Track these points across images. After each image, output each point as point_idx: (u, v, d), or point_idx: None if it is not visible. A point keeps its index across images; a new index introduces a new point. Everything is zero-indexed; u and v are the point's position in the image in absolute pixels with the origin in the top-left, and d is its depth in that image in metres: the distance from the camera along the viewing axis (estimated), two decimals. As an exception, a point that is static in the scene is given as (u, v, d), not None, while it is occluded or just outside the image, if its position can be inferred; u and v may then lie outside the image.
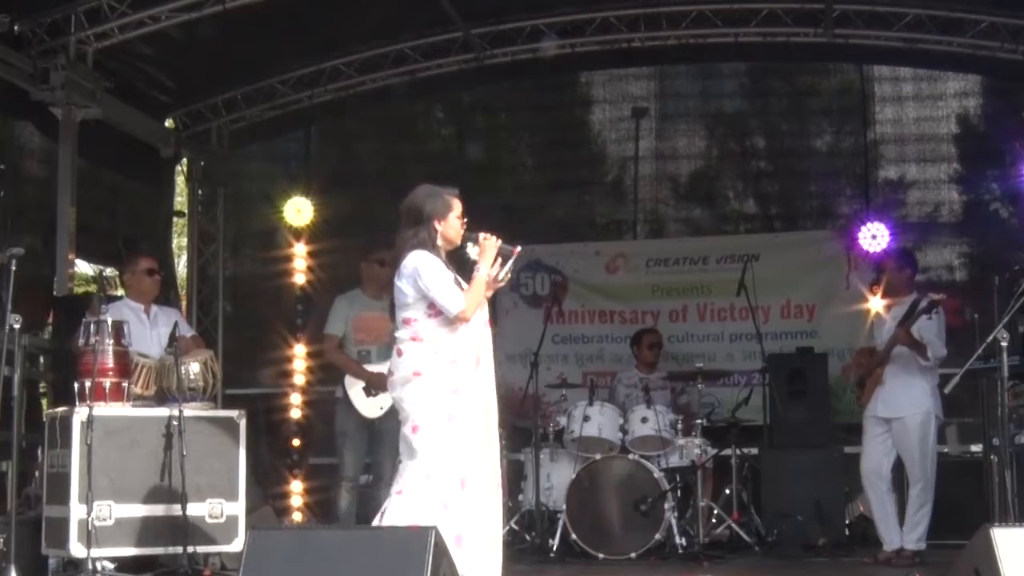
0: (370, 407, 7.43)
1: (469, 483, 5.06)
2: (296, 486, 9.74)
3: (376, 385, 7.42)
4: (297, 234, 10.17)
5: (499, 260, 5.23)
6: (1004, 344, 5.40)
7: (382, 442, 7.50)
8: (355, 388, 7.41)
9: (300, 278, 10.21)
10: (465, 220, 5.31)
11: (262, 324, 10.56)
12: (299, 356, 10.10)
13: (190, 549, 6.17)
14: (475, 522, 5.04)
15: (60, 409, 6.39)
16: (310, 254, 10.25)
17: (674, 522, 7.81)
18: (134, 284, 7.03)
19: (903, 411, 7.30)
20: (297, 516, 9.52)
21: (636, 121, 10.67)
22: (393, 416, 7.47)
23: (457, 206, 5.30)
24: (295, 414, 10.00)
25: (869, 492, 7.43)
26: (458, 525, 4.97)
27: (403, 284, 5.17)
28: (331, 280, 9.76)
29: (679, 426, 8.27)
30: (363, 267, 7.70)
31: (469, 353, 5.16)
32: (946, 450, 8.64)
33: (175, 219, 11.13)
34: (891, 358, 7.30)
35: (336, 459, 7.58)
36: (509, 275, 5.32)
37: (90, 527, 5.97)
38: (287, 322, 10.24)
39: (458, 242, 5.28)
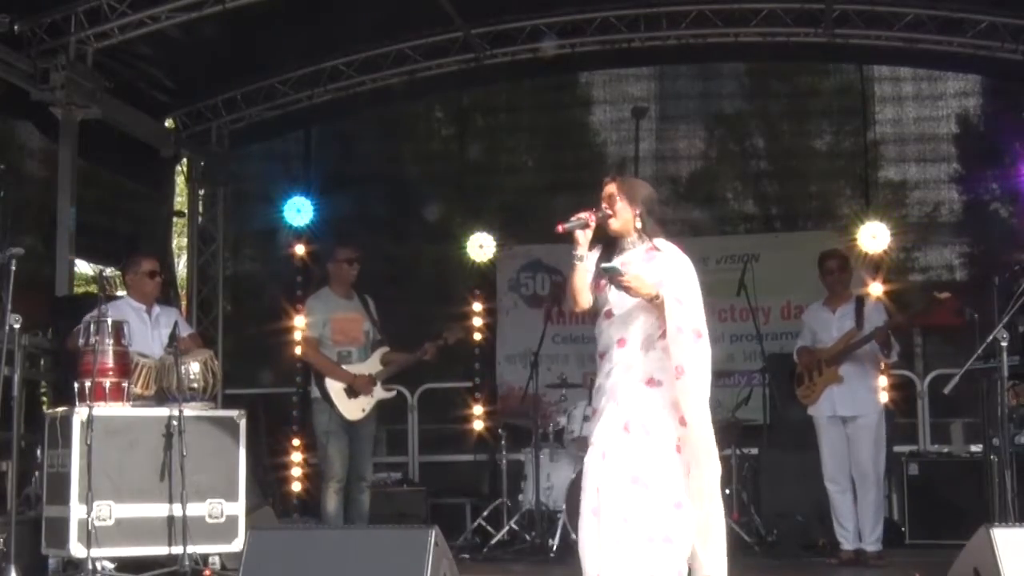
0: (352, 409, 7.32)
1: (604, 490, 4.86)
2: (296, 486, 9.70)
3: (360, 386, 7.32)
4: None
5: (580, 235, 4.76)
6: (1004, 344, 5.41)
7: (360, 443, 7.43)
8: (335, 389, 7.32)
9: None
10: (599, 206, 4.84)
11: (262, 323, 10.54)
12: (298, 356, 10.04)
13: (190, 549, 6.16)
14: (592, 526, 4.79)
15: (60, 409, 6.39)
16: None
17: (674, 522, 7.80)
18: (136, 285, 7.02)
19: (861, 410, 7.35)
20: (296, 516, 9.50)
21: (636, 121, 10.65)
22: (370, 419, 7.46)
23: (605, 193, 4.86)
24: (295, 413, 9.96)
25: (834, 493, 7.40)
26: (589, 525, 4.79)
27: None
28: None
29: (679, 426, 8.26)
30: (330, 267, 7.65)
31: (610, 349, 5.05)
32: (947, 450, 8.65)
33: (175, 219, 11.12)
34: (850, 357, 7.31)
35: (318, 460, 7.52)
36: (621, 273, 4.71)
37: (90, 527, 5.96)
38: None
39: (601, 224, 4.83)
